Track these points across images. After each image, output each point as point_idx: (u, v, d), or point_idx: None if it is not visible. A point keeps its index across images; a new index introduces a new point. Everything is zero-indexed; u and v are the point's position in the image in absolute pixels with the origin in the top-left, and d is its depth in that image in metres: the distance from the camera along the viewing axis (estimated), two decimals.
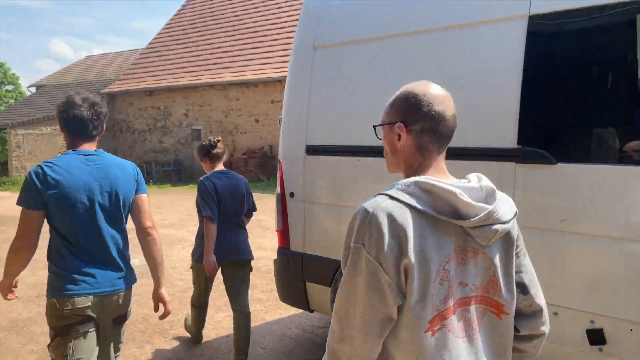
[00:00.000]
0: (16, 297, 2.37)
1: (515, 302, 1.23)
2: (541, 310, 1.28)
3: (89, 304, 2.18)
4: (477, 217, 1.11)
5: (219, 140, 3.65)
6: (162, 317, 2.49)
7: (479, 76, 2.60)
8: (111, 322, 2.31)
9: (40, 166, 2.19)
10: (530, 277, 1.29)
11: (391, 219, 1.08)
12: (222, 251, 3.49)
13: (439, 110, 1.19)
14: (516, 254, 1.25)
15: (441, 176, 1.21)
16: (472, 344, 1.17)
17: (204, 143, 3.64)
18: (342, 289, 1.14)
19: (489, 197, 1.17)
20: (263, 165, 17.26)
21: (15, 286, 2.34)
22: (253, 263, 3.70)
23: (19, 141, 20.58)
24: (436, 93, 1.21)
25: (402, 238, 1.08)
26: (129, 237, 2.39)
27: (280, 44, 18.86)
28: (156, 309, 2.47)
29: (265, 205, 12.40)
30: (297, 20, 3.65)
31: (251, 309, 3.97)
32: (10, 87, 46.67)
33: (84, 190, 2.20)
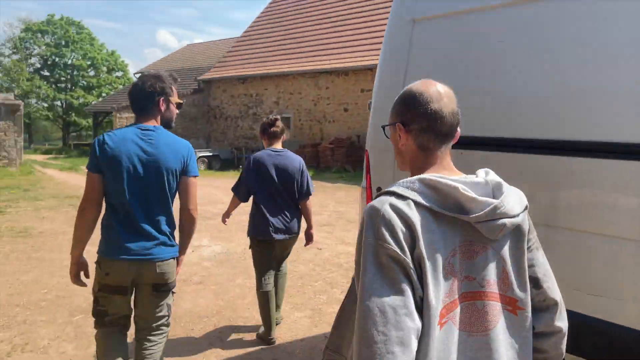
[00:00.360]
0: (85, 285, 2.51)
1: (529, 296, 1.21)
2: (556, 304, 1.26)
3: (124, 268, 2.37)
4: (481, 212, 1.12)
5: (277, 119, 3.72)
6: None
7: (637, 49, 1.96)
8: (150, 288, 2.47)
9: (102, 135, 2.40)
10: (544, 270, 1.26)
11: (400, 214, 1.10)
12: (264, 228, 3.56)
13: (435, 109, 1.21)
14: (528, 247, 1.23)
15: (446, 172, 1.22)
16: (480, 338, 1.14)
17: (264, 120, 3.74)
18: (367, 291, 1.07)
19: (496, 191, 1.18)
20: (349, 156, 16.92)
21: (87, 275, 2.49)
22: (333, 258, 3.44)
23: (123, 124, 21.94)
24: (433, 91, 1.23)
25: (413, 231, 1.09)
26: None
27: (371, 32, 18.34)
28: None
29: (349, 197, 12.05)
30: (390, 7, 3.14)
31: (331, 309, 3.69)
32: (119, 74, 50.38)
33: (130, 160, 2.35)
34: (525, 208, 1.21)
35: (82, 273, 2.48)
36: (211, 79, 23.37)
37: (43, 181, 14.27)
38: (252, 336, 3.82)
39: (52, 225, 7.53)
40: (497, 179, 1.21)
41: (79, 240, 2.42)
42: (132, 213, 2.37)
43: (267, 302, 3.62)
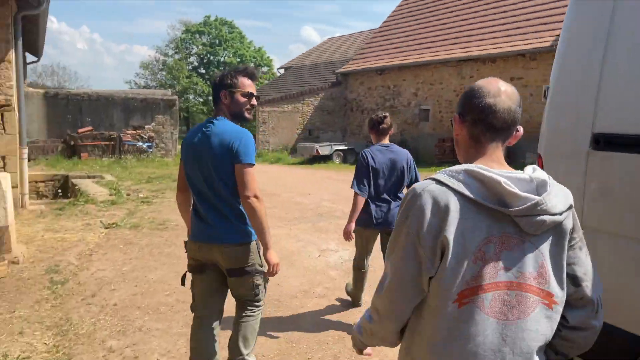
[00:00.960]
0: None
1: (565, 293, 1.27)
2: (592, 303, 1.30)
3: (197, 249, 2.61)
4: (522, 207, 1.19)
5: (385, 117, 3.87)
6: (269, 275, 2.66)
7: None
8: (225, 271, 2.61)
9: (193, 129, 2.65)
10: (584, 270, 1.30)
11: (434, 200, 1.22)
12: (373, 220, 3.78)
13: (489, 103, 1.28)
14: (570, 246, 1.28)
15: (494, 165, 1.28)
16: (506, 325, 1.21)
17: (373, 117, 3.90)
18: (388, 255, 1.32)
19: (540, 189, 1.23)
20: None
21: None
22: None
23: (265, 118, 22.72)
24: (492, 87, 1.30)
25: (442, 218, 1.20)
26: None
27: (520, 14, 16.40)
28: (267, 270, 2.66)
29: None
30: None
31: None
32: (265, 69, 53.11)
33: (193, 152, 2.55)
34: (570, 207, 1.27)
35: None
36: (349, 72, 23.11)
37: None
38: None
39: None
40: (543, 176, 1.26)
41: (186, 221, 2.77)
42: (198, 199, 2.58)
43: (362, 280, 4.14)
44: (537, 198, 1.19)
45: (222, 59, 50.78)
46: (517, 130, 1.32)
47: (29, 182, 13.85)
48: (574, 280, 1.28)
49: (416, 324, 1.29)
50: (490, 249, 1.20)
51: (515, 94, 1.30)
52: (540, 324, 1.23)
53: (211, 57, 50.50)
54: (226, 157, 2.45)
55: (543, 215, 1.19)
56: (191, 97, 49.37)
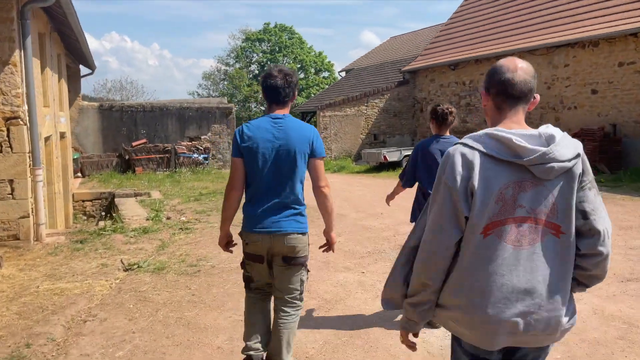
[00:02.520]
0: (231, 251, 3.06)
1: (573, 225, 1.61)
2: (599, 233, 1.61)
3: (258, 239, 2.75)
4: (532, 157, 1.56)
5: (452, 110, 3.95)
6: (326, 250, 3.05)
7: None
8: (281, 260, 2.78)
9: (241, 126, 2.84)
10: (593, 206, 1.62)
11: (464, 157, 1.61)
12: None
13: (508, 78, 1.64)
14: (581, 187, 1.61)
15: (514, 126, 1.65)
16: (519, 250, 1.59)
17: (438, 108, 3.92)
18: (432, 204, 1.67)
19: (550, 141, 1.59)
20: (603, 152, 12.74)
21: (231, 244, 2.99)
22: None
23: (326, 123, 21.06)
24: (511, 64, 1.66)
25: (470, 170, 1.59)
26: None
27: None
28: (324, 245, 3.04)
29: (622, 208, 8.28)
30: None
31: None
32: (326, 74, 51.70)
33: (266, 145, 2.71)
34: (578, 155, 1.61)
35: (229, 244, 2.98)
36: (417, 69, 21.00)
37: None
38: None
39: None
40: (552, 131, 1.62)
41: (226, 218, 2.87)
42: (265, 191, 2.72)
43: None
44: (544, 149, 1.56)
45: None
46: (534, 98, 1.71)
47: (76, 201, 13.02)
48: (583, 215, 1.62)
49: (454, 263, 1.65)
50: (509, 192, 1.59)
51: (530, 68, 1.68)
52: (548, 250, 1.60)
53: (272, 65, 49.78)
54: (306, 149, 2.73)
55: (552, 162, 1.56)
56: (253, 105, 48.82)
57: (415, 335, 1.78)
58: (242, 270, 2.93)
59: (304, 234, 2.77)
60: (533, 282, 1.57)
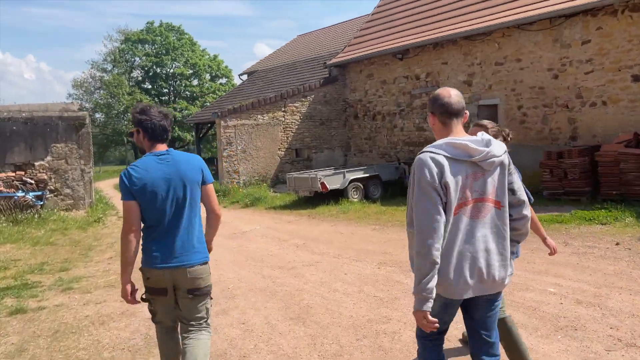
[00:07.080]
0: (139, 302, 2.94)
1: (507, 199, 2.33)
2: (524, 202, 2.40)
3: (161, 275, 2.82)
4: (480, 155, 2.24)
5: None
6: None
7: None
8: (187, 293, 2.87)
9: (127, 169, 2.82)
10: (518, 185, 2.39)
11: (434, 161, 2.22)
12: None
13: (447, 102, 2.32)
14: (509, 172, 2.34)
15: (459, 136, 2.31)
16: (475, 221, 2.28)
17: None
18: (417, 202, 2.25)
19: (488, 144, 2.28)
20: None
21: (135, 290, 2.88)
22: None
23: (230, 136, 15.01)
24: (445, 92, 2.36)
25: (441, 169, 2.21)
26: None
27: None
28: None
29: None
30: None
31: None
32: (224, 81, 45.32)
33: (158, 183, 2.78)
34: (505, 151, 2.33)
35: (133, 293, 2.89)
36: (347, 61, 15.80)
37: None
38: None
39: None
40: (488, 137, 2.32)
41: (128, 264, 2.81)
42: (166, 227, 2.81)
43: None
44: (487, 149, 2.26)
45: (171, 70, 42.70)
46: (465, 113, 2.37)
47: None
48: (512, 192, 2.37)
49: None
50: (467, 182, 2.25)
51: (459, 93, 2.37)
52: (493, 218, 2.31)
53: (158, 69, 42.39)
54: (198, 178, 2.89)
55: (492, 158, 2.27)
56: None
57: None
58: (148, 306, 2.99)
59: (205, 263, 2.92)
60: (487, 243, 2.31)
